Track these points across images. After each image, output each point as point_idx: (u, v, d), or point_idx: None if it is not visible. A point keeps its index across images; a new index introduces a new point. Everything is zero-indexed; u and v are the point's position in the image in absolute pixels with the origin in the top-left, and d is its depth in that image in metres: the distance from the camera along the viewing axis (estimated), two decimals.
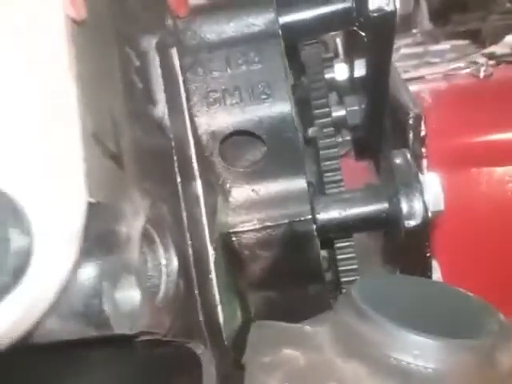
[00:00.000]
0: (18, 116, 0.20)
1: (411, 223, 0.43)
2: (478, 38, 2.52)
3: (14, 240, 0.18)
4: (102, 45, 0.28)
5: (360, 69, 0.61)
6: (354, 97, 0.66)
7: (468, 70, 0.70)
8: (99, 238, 0.23)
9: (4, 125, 0.19)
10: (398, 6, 0.43)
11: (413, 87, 0.72)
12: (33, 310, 0.19)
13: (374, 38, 0.45)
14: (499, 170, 0.77)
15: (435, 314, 0.34)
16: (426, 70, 1.75)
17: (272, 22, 0.45)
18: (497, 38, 2.51)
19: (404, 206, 0.44)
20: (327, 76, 0.64)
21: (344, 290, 0.51)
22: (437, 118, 0.75)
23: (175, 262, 0.32)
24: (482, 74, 0.69)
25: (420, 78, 1.45)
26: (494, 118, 0.74)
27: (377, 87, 0.54)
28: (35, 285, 0.19)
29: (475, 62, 0.73)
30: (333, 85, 0.68)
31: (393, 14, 0.41)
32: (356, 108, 0.66)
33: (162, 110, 0.37)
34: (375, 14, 0.42)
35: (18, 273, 0.18)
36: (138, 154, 0.30)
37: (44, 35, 0.22)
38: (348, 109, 0.66)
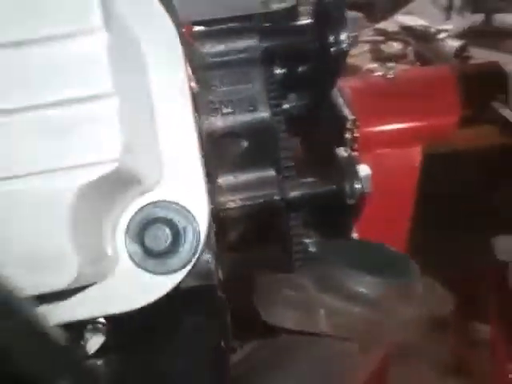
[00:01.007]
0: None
1: (351, 201, 0.63)
2: (371, 12, 2.80)
3: (193, 231, 0.33)
4: None
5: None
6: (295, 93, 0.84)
7: (380, 73, 0.91)
8: None
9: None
10: None
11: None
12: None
13: (327, 66, 0.63)
14: (397, 151, 1.00)
15: (376, 261, 0.55)
16: None
17: (255, 49, 0.60)
18: (387, 14, 2.81)
19: (347, 189, 0.63)
20: None
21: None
22: (354, 110, 0.96)
23: None
24: (390, 76, 0.91)
25: None
26: (396, 111, 0.97)
27: (319, 96, 0.71)
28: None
29: (387, 67, 0.94)
30: None
31: (348, 51, 0.59)
32: (294, 104, 0.83)
33: None
34: (333, 52, 0.59)
35: (195, 250, 0.33)
36: None
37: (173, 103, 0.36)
38: (290, 104, 0.83)
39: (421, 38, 2.15)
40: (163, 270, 0.33)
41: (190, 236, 0.33)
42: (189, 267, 0.34)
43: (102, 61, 0.26)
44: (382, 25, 2.51)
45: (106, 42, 0.26)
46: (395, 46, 2.29)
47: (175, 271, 0.34)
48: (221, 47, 0.59)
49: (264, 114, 0.61)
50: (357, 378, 0.52)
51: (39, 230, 0.26)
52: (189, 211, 0.34)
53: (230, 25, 0.60)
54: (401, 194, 1.01)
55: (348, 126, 0.67)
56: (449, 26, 2.19)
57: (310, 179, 0.67)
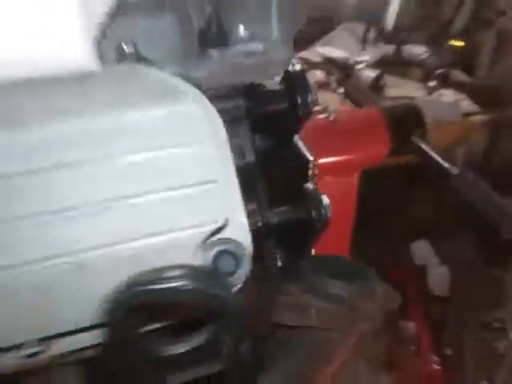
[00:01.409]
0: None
1: (318, 226, 0.83)
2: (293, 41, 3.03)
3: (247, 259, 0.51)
4: None
5: None
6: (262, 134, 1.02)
7: (324, 115, 1.13)
8: None
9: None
10: None
11: None
12: None
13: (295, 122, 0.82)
14: (339, 179, 1.23)
15: (342, 271, 0.74)
16: None
17: (240, 108, 0.79)
18: (306, 45, 3.08)
19: (315, 216, 0.82)
20: None
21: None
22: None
23: None
24: (331, 118, 1.13)
25: None
26: (337, 146, 1.19)
27: (286, 140, 0.91)
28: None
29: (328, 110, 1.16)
30: None
31: (312, 110, 0.79)
32: (262, 143, 1.02)
33: None
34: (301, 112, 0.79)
35: (247, 271, 0.51)
36: None
37: None
38: (258, 143, 1.02)
39: (341, 68, 2.44)
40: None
41: (245, 262, 0.51)
42: (242, 282, 0.51)
43: (212, 160, 0.44)
44: (304, 54, 2.77)
45: (213, 148, 0.44)
46: (318, 75, 2.55)
47: (235, 285, 0.51)
48: (216, 107, 0.77)
49: (250, 159, 0.79)
50: (336, 355, 0.71)
51: None
52: (243, 246, 0.51)
53: (221, 89, 0.78)
54: (342, 214, 1.23)
55: (310, 165, 0.87)
56: (365, 57, 2.51)
57: (283, 208, 0.86)
